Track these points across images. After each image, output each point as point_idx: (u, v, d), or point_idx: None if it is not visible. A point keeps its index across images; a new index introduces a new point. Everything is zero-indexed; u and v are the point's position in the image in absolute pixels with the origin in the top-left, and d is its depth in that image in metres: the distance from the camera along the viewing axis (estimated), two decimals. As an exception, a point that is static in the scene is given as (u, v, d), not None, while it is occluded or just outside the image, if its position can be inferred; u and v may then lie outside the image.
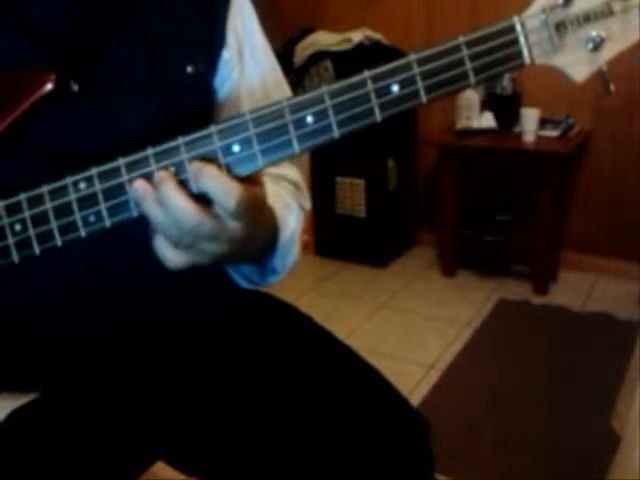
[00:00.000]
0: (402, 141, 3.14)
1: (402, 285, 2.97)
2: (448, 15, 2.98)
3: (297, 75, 3.03)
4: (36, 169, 0.68)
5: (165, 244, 0.63)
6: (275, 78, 0.91)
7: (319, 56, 3.02)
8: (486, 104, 2.84)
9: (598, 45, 0.61)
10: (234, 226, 0.62)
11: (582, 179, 2.96)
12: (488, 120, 2.81)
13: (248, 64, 0.87)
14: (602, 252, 2.96)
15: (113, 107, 0.75)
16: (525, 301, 2.77)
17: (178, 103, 0.78)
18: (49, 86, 0.68)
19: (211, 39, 0.82)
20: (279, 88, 0.90)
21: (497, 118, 2.81)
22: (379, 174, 3.06)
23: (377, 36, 3.00)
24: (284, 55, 2.99)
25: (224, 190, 0.60)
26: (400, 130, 3.09)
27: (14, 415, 0.74)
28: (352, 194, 3.13)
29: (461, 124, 2.84)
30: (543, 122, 2.72)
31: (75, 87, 0.72)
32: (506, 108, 2.81)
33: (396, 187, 3.13)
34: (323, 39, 3.05)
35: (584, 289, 2.87)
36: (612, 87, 0.63)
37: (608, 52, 0.62)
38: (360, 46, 2.93)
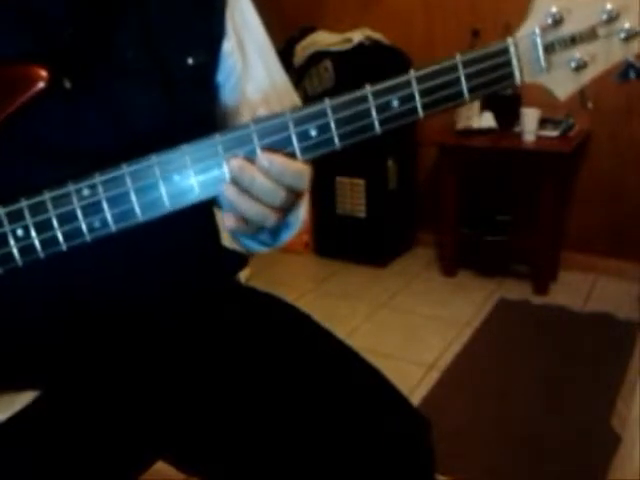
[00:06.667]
0: (402, 141, 3.14)
1: (402, 285, 2.97)
2: (448, 15, 2.98)
3: (297, 75, 3.02)
4: (33, 168, 0.68)
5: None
6: (284, 80, 0.91)
7: (319, 56, 3.02)
8: (486, 104, 2.84)
9: (581, 66, 0.64)
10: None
11: (582, 179, 2.96)
12: (488, 120, 2.81)
13: (254, 61, 0.86)
14: (602, 252, 2.96)
15: (114, 100, 0.74)
16: (525, 301, 2.77)
17: (180, 95, 0.78)
18: (41, 84, 0.67)
19: (210, 30, 0.82)
20: (288, 91, 0.90)
21: (497, 118, 2.81)
22: (379, 174, 3.06)
23: (377, 36, 3.00)
24: (284, 55, 2.99)
25: (297, 174, 0.66)
26: (400, 130, 3.07)
27: (15, 417, 0.74)
28: (352, 194, 3.13)
29: (461, 124, 2.84)
30: (543, 122, 2.72)
31: (67, 84, 0.71)
32: (506, 108, 2.80)
33: (396, 187, 3.13)
34: (323, 39, 3.05)
35: (584, 289, 2.87)
36: (590, 105, 0.69)
37: (590, 73, 0.65)
38: (360, 46, 2.93)
